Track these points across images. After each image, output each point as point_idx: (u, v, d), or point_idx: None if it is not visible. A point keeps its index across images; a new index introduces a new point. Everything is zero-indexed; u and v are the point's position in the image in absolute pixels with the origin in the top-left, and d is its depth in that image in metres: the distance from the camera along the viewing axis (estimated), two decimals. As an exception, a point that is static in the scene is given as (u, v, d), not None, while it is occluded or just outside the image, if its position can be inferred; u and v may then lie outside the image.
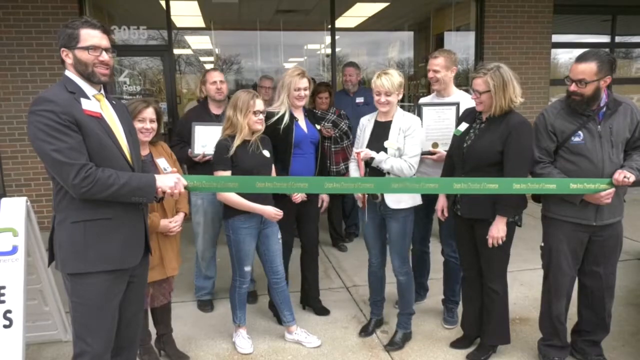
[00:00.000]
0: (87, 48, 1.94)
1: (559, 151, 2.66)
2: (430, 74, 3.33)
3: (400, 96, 2.97)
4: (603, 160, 2.56)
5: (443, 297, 3.53)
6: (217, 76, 3.69)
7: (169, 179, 2.11)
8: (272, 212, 2.93)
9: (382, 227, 3.13)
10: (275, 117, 3.21)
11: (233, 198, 2.86)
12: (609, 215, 2.64)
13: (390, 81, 2.86)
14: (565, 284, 2.77)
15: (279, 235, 3.14)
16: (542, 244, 2.83)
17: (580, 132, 2.59)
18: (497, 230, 2.68)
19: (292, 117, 3.28)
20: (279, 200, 3.10)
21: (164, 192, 2.09)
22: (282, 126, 3.21)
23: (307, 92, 3.32)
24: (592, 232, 2.68)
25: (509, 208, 2.65)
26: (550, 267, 2.78)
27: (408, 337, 3.23)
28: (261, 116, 2.92)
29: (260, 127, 2.94)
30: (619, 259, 2.80)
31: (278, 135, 3.19)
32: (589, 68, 2.47)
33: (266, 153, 2.99)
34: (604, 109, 2.59)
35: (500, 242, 2.70)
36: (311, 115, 3.54)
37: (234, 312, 3.18)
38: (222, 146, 2.87)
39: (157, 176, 2.09)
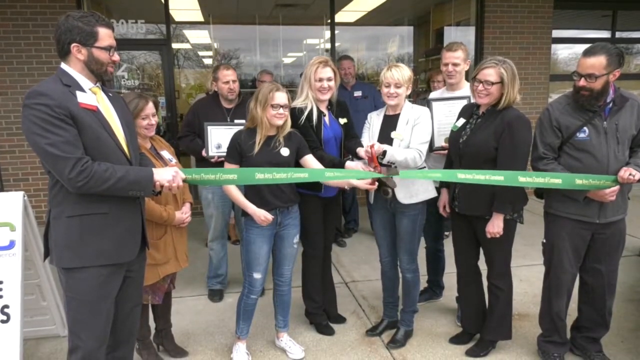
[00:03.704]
0: (107, 49, 1.96)
1: (564, 147, 2.62)
2: (450, 68, 3.24)
3: (409, 91, 2.92)
4: (608, 157, 2.53)
5: (457, 294, 3.47)
6: (229, 76, 3.67)
7: (167, 172, 2.09)
8: (262, 215, 2.67)
9: (392, 224, 3.06)
10: (306, 114, 2.97)
11: (232, 192, 2.74)
12: (612, 212, 2.62)
13: (400, 73, 2.82)
14: (567, 281, 2.75)
15: (296, 240, 2.93)
16: (544, 241, 2.81)
17: (585, 128, 2.55)
18: (493, 226, 2.67)
19: (320, 114, 3.04)
20: (313, 202, 3.02)
21: (162, 186, 2.07)
22: (314, 124, 2.99)
23: (332, 84, 2.99)
24: (594, 229, 2.65)
25: (505, 204, 2.63)
26: (551, 264, 2.76)
27: (410, 335, 3.21)
28: (282, 110, 2.68)
29: (280, 122, 2.71)
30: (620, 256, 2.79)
31: (315, 129, 2.99)
32: (599, 62, 2.42)
33: (284, 152, 2.74)
34: (610, 104, 2.55)
35: (497, 236, 2.69)
36: (338, 108, 3.20)
37: (237, 322, 2.98)
38: (234, 139, 2.75)
39: (154, 170, 2.07)
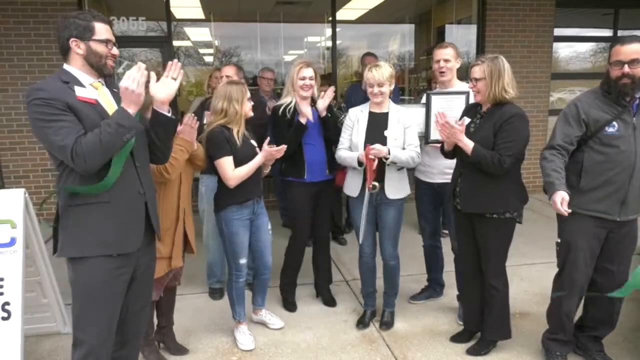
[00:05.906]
0: (104, 41, 2.00)
1: (589, 142, 2.58)
2: (441, 64, 3.30)
3: (392, 87, 3.06)
4: (635, 153, 2.52)
5: (458, 293, 3.40)
6: (225, 71, 3.67)
7: (125, 91, 1.92)
8: (268, 150, 2.88)
9: (374, 217, 3.21)
10: (283, 107, 3.30)
11: (242, 172, 2.85)
12: (633, 210, 2.59)
13: (380, 72, 2.98)
14: (581, 281, 2.70)
15: (269, 226, 3.16)
16: (558, 240, 2.74)
17: (615, 122, 2.53)
18: (456, 131, 2.63)
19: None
20: (299, 189, 3.32)
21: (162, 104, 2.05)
22: (290, 113, 3.28)
23: (313, 82, 3.31)
24: (610, 228, 2.62)
25: (482, 154, 2.61)
26: (566, 264, 2.70)
27: (394, 314, 3.37)
28: (252, 103, 2.98)
29: (252, 113, 3.01)
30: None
31: (289, 124, 3.28)
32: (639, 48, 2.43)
33: (253, 143, 3.03)
34: (637, 100, 2.54)
35: (440, 121, 2.66)
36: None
37: (232, 308, 3.15)
38: (216, 135, 2.85)
39: (122, 104, 1.96)
